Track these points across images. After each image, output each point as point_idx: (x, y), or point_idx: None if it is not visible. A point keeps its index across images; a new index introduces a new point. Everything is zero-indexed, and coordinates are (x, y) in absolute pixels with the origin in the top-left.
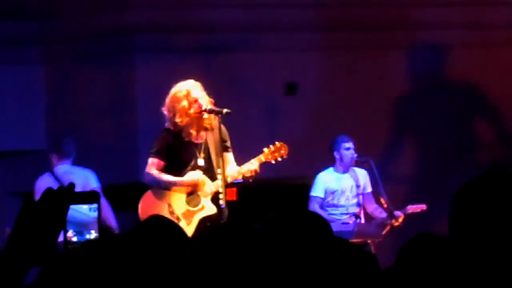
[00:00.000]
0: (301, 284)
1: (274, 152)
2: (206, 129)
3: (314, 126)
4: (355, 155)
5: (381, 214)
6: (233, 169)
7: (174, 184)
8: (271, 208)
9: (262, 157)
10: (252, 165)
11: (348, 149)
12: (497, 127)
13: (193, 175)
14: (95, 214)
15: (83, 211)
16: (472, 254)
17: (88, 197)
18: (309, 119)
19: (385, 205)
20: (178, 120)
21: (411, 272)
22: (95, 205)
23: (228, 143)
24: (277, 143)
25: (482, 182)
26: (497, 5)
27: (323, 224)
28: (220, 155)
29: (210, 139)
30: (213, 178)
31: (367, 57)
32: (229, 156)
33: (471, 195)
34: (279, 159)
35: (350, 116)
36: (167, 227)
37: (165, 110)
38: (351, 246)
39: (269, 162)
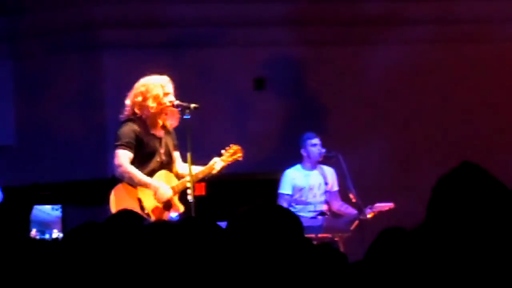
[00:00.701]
0: (270, 279)
1: (232, 154)
2: (164, 127)
3: (283, 121)
4: (323, 151)
5: (347, 209)
6: (182, 169)
7: (146, 186)
8: (240, 203)
9: (224, 159)
10: (217, 166)
11: (314, 145)
12: (466, 122)
13: (166, 191)
14: (58, 213)
15: (46, 210)
16: (447, 244)
17: (52, 198)
18: (278, 114)
19: (354, 200)
20: (151, 105)
21: (380, 267)
22: (58, 205)
23: (176, 141)
24: (232, 145)
25: (457, 175)
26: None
27: (293, 219)
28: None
29: (167, 136)
30: (171, 171)
31: (336, 53)
32: (177, 154)
33: (448, 187)
34: (235, 161)
35: (319, 111)
36: (136, 221)
37: (131, 98)
38: (322, 243)
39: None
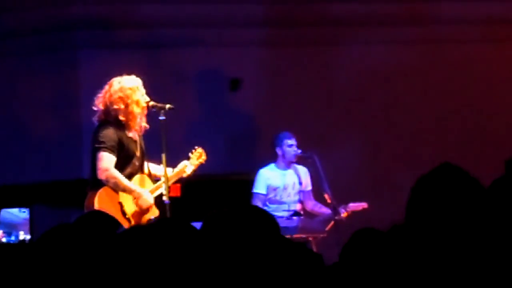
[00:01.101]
0: (247, 279)
1: (197, 158)
2: (140, 127)
3: (258, 122)
4: (298, 152)
5: (320, 209)
6: (157, 171)
7: (130, 193)
8: (215, 204)
9: (192, 162)
10: (188, 170)
11: (290, 146)
12: (440, 121)
13: (149, 198)
14: (25, 215)
15: (13, 212)
16: (427, 243)
17: (20, 201)
18: (254, 115)
19: (329, 201)
20: (136, 110)
21: (354, 268)
22: (27, 209)
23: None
24: (197, 148)
25: (437, 176)
26: (444, 1)
27: (270, 220)
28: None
29: (140, 139)
30: (148, 175)
31: (310, 53)
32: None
33: (428, 187)
34: (199, 165)
35: (293, 111)
36: (106, 222)
37: (112, 103)
38: (297, 244)
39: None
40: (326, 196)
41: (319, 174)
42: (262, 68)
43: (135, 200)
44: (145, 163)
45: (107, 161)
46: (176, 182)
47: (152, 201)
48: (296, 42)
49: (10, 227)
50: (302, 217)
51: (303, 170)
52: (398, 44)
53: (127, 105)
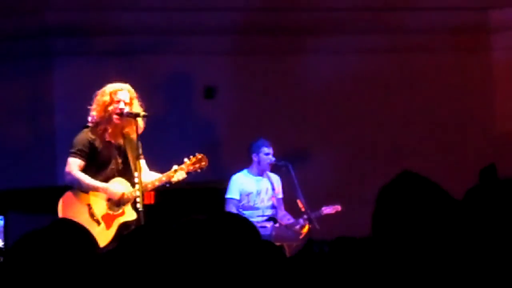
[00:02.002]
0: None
1: (195, 163)
2: (122, 134)
3: (232, 129)
4: (273, 160)
5: (288, 221)
6: (150, 177)
7: (96, 189)
8: (188, 211)
9: (184, 167)
10: (178, 175)
11: (267, 154)
12: (405, 128)
13: (118, 188)
14: (0, 223)
15: None
16: (393, 252)
17: None
18: (227, 122)
19: (303, 209)
20: (94, 113)
21: (334, 275)
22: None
23: (141, 150)
24: (197, 154)
25: (397, 185)
26: (408, 10)
27: (250, 227)
28: (136, 160)
29: (127, 144)
30: (130, 182)
31: (284, 61)
32: (143, 163)
33: (389, 197)
34: (199, 170)
35: (267, 119)
36: (73, 230)
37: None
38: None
39: (189, 173)
40: (300, 204)
41: (294, 182)
42: (236, 76)
43: (108, 202)
44: (132, 168)
45: (70, 165)
46: (153, 189)
47: (121, 190)
48: (269, 50)
49: None
50: (276, 225)
51: (275, 178)
52: (367, 52)
53: (94, 108)
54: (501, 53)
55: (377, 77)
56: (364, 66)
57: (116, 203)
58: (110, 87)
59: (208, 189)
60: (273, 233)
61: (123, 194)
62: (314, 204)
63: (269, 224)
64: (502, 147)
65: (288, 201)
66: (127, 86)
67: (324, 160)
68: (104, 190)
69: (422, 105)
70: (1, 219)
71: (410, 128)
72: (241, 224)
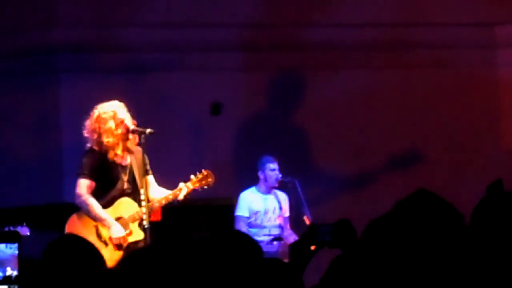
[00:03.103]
0: None
1: (201, 180)
2: (128, 150)
3: (238, 146)
4: (279, 176)
5: (294, 240)
6: (158, 193)
7: (101, 221)
8: (196, 228)
9: (190, 185)
10: (182, 192)
11: (273, 170)
12: (416, 146)
13: (118, 231)
14: (12, 251)
15: (0, 248)
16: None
17: (8, 237)
18: (234, 139)
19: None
20: (105, 140)
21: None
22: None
23: (148, 166)
24: (204, 171)
25: (412, 203)
26: (414, 26)
27: (253, 245)
28: (143, 177)
29: (133, 161)
30: (137, 200)
31: (291, 78)
32: (151, 178)
33: (404, 215)
34: (206, 187)
35: (273, 136)
36: (80, 246)
37: (88, 132)
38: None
39: (196, 190)
40: (306, 219)
41: (300, 198)
42: (243, 92)
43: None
44: (149, 185)
45: (81, 187)
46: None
47: (122, 233)
48: (276, 67)
49: None
50: (282, 242)
51: (283, 196)
52: (374, 68)
53: (99, 135)
54: (507, 69)
55: (383, 93)
56: (371, 82)
57: (124, 219)
58: (107, 111)
59: (216, 206)
60: (280, 249)
61: (122, 237)
62: (321, 221)
63: (275, 242)
64: (507, 163)
65: (295, 217)
66: (119, 103)
67: (331, 176)
68: (108, 226)
69: (427, 121)
70: (14, 248)
71: (416, 144)
72: (244, 242)
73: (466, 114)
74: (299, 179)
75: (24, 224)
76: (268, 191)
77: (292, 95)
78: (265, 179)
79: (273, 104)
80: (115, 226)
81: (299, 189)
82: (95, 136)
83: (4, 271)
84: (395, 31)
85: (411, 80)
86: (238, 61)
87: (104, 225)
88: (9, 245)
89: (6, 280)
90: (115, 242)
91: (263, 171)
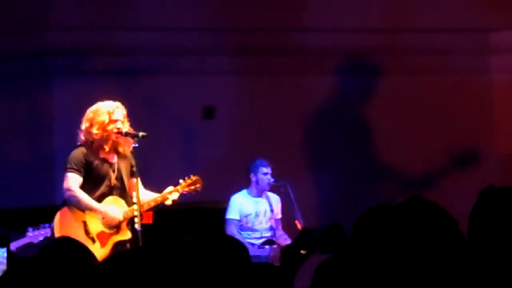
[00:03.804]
0: None
1: (190, 185)
2: (118, 153)
3: (231, 150)
4: (271, 180)
5: (285, 241)
6: (145, 196)
7: (94, 211)
8: (187, 232)
9: (179, 189)
10: (172, 196)
11: (265, 174)
12: (409, 151)
13: (116, 214)
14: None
15: None
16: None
17: None
18: (227, 143)
19: (300, 229)
20: (94, 132)
21: None
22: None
23: (135, 168)
24: (192, 176)
25: (405, 209)
26: (408, 31)
27: (240, 248)
28: (131, 178)
29: (120, 162)
30: (124, 197)
31: (283, 82)
32: (137, 181)
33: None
34: (193, 192)
35: (266, 140)
36: (74, 248)
37: (83, 123)
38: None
39: (184, 194)
40: (297, 223)
41: (292, 202)
42: (235, 96)
43: (103, 220)
44: (126, 186)
45: (70, 181)
46: (151, 209)
47: (120, 218)
48: (268, 70)
49: None
50: (274, 246)
51: (275, 198)
52: (368, 74)
53: (90, 126)
54: (501, 75)
55: (377, 98)
56: (365, 87)
57: (112, 228)
58: (105, 106)
59: (207, 210)
60: (271, 254)
61: (119, 222)
62: (313, 225)
63: (267, 246)
64: (501, 169)
65: (286, 221)
66: (120, 104)
67: (324, 180)
68: (103, 214)
69: (421, 126)
70: (3, 251)
71: (409, 149)
72: (231, 245)
73: (460, 120)
74: (292, 183)
75: (47, 225)
76: (259, 194)
77: (284, 99)
78: (257, 182)
79: (266, 108)
80: (111, 211)
81: (291, 193)
82: (87, 125)
83: None
84: (390, 37)
85: (404, 86)
86: (231, 65)
87: (95, 216)
88: None
89: None
90: (112, 223)
91: (256, 174)
